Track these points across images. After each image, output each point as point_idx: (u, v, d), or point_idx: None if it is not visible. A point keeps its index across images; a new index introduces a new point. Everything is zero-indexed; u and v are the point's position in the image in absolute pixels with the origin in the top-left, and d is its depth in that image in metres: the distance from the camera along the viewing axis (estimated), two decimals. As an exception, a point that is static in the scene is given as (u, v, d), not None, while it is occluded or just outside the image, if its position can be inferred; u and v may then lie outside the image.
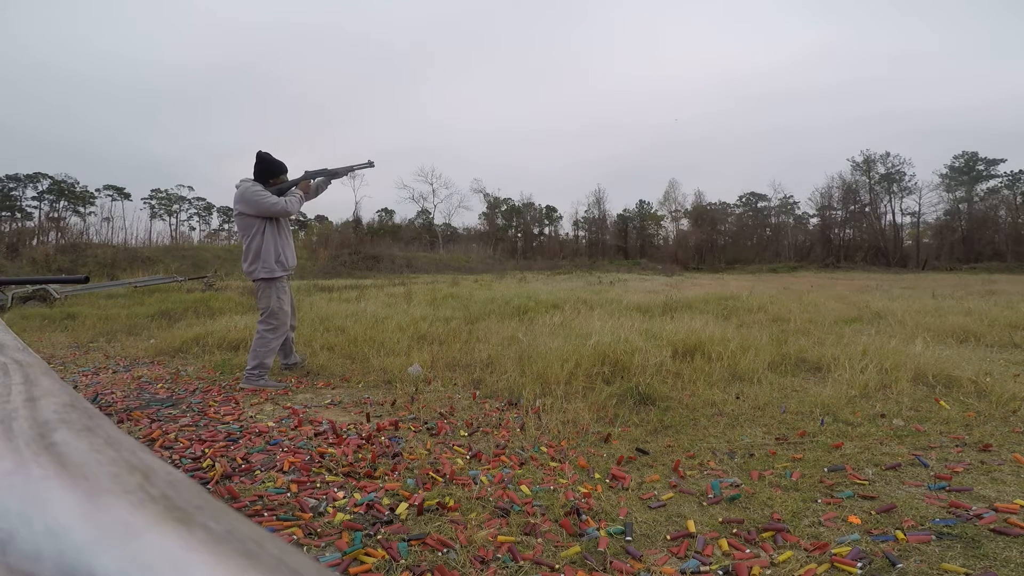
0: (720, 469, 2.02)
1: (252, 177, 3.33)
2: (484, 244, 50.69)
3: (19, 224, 40.21)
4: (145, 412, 2.67)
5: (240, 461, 2.00)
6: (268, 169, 3.32)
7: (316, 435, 2.31)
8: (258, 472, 1.90)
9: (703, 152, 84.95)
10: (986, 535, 1.46)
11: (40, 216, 42.88)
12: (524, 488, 1.78)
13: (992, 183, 44.94)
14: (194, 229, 52.87)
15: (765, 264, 43.23)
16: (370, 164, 3.45)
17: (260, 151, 3.34)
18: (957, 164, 45.94)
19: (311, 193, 3.46)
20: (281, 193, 3.30)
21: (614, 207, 65.15)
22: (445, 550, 1.41)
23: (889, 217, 47.85)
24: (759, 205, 55.85)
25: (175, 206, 51.93)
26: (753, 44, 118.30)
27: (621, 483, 1.88)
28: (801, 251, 50.21)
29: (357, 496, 1.72)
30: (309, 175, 3.44)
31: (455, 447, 2.20)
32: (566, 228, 58.92)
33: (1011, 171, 43.57)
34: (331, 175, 3.49)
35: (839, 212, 49.95)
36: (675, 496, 1.78)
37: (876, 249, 45.15)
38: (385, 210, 55.79)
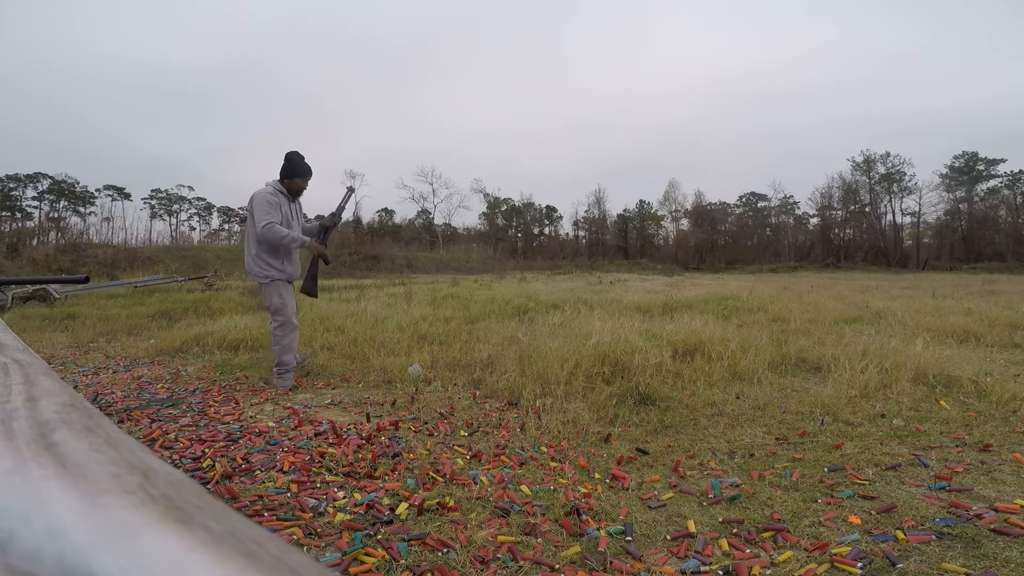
0: (720, 469, 2.01)
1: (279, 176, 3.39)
2: (484, 244, 50.73)
3: (19, 224, 40.21)
4: (145, 412, 2.67)
5: (240, 461, 2.00)
6: (290, 169, 3.38)
7: (316, 435, 2.31)
8: (258, 472, 1.90)
9: (703, 152, 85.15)
10: (986, 535, 1.46)
11: (40, 216, 42.92)
12: (524, 488, 1.78)
13: (992, 183, 45.01)
14: (194, 229, 52.93)
15: (765, 264, 43.32)
16: (351, 190, 3.77)
17: (291, 151, 3.41)
18: (957, 164, 45.97)
19: (309, 245, 3.46)
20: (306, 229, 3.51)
21: (614, 207, 65.34)
22: (445, 550, 1.41)
23: (889, 217, 47.98)
24: (759, 205, 55.89)
25: (175, 206, 51.96)
26: (753, 43, 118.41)
27: (621, 483, 1.88)
28: (801, 251, 50.27)
29: (357, 496, 1.72)
30: (324, 225, 3.55)
31: (455, 447, 2.20)
32: (566, 228, 59.06)
33: (1011, 171, 43.68)
34: (334, 222, 3.62)
35: (839, 212, 50.01)
36: (675, 496, 1.78)
37: (876, 249, 45.20)
38: (385, 210, 55.86)
